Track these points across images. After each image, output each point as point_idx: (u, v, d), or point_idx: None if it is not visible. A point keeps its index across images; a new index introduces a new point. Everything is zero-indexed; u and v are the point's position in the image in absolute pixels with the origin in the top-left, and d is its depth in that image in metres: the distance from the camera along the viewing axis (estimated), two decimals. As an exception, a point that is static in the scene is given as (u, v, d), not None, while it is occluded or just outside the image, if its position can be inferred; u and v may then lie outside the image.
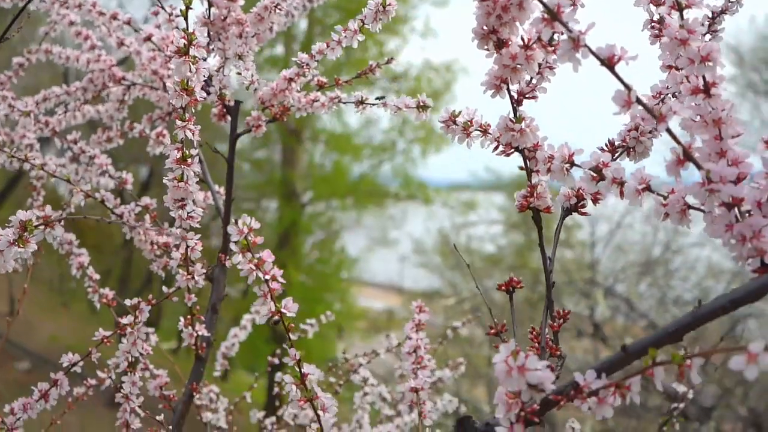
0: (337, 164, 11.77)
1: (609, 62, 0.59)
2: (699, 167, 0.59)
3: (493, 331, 0.76)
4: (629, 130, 0.80)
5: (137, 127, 1.36)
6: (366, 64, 1.14)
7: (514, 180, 10.88)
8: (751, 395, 5.92)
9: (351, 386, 1.65)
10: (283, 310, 0.74)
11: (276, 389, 1.49)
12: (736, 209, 0.62)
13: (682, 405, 1.25)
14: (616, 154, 0.81)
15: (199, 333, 1.09)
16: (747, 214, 0.61)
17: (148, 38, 1.15)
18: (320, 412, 0.75)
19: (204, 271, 1.03)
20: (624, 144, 0.81)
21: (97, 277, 1.21)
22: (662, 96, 0.83)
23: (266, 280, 0.73)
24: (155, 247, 1.17)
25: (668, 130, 0.59)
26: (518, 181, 11.01)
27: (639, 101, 0.59)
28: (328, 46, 1.05)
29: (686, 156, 0.60)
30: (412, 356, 1.12)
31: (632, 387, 0.58)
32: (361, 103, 1.09)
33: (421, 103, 0.97)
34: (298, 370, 0.76)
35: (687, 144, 0.61)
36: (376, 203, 11.99)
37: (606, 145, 0.81)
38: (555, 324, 0.73)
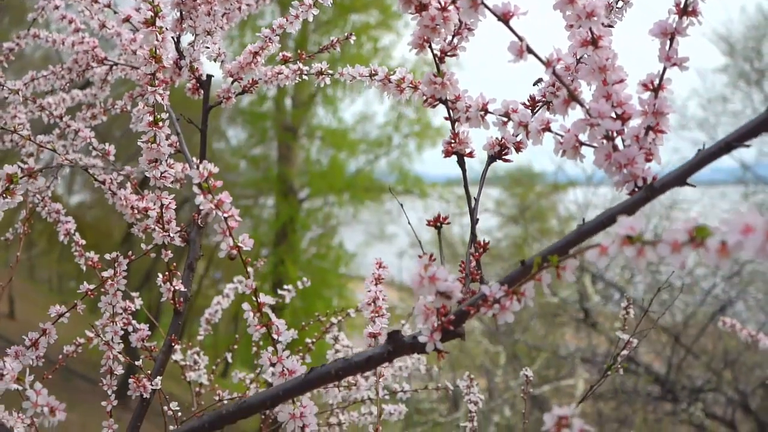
0: (334, 160, 11.85)
1: (504, 17, 0.69)
2: (582, 105, 0.70)
3: (420, 255, 0.86)
4: (548, 86, 0.90)
5: (119, 104, 1.46)
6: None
7: (510, 174, 10.97)
8: (740, 378, 6.03)
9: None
10: (240, 244, 0.84)
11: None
12: (619, 143, 0.72)
13: (626, 352, 1.35)
14: (537, 108, 0.91)
15: (177, 288, 1.20)
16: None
17: (127, 19, 1.24)
18: (275, 336, 0.85)
19: (178, 228, 1.13)
20: (543, 99, 0.91)
21: (83, 242, 1.31)
22: (579, 56, 0.93)
23: (225, 218, 0.83)
24: (135, 211, 1.27)
25: (554, 74, 0.69)
26: (515, 176, 11.09)
27: (530, 50, 0.69)
28: (287, 20, 1.15)
29: (571, 96, 0.70)
30: (371, 306, 1.22)
31: (526, 292, 0.68)
32: (320, 73, 1.19)
33: (373, 72, 1.06)
34: (255, 299, 0.86)
35: (574, 87, 0.71)
36: (372, 198, 12.07)
37: (528, 100, 0.91)
38: (477, 254, 0.83)
